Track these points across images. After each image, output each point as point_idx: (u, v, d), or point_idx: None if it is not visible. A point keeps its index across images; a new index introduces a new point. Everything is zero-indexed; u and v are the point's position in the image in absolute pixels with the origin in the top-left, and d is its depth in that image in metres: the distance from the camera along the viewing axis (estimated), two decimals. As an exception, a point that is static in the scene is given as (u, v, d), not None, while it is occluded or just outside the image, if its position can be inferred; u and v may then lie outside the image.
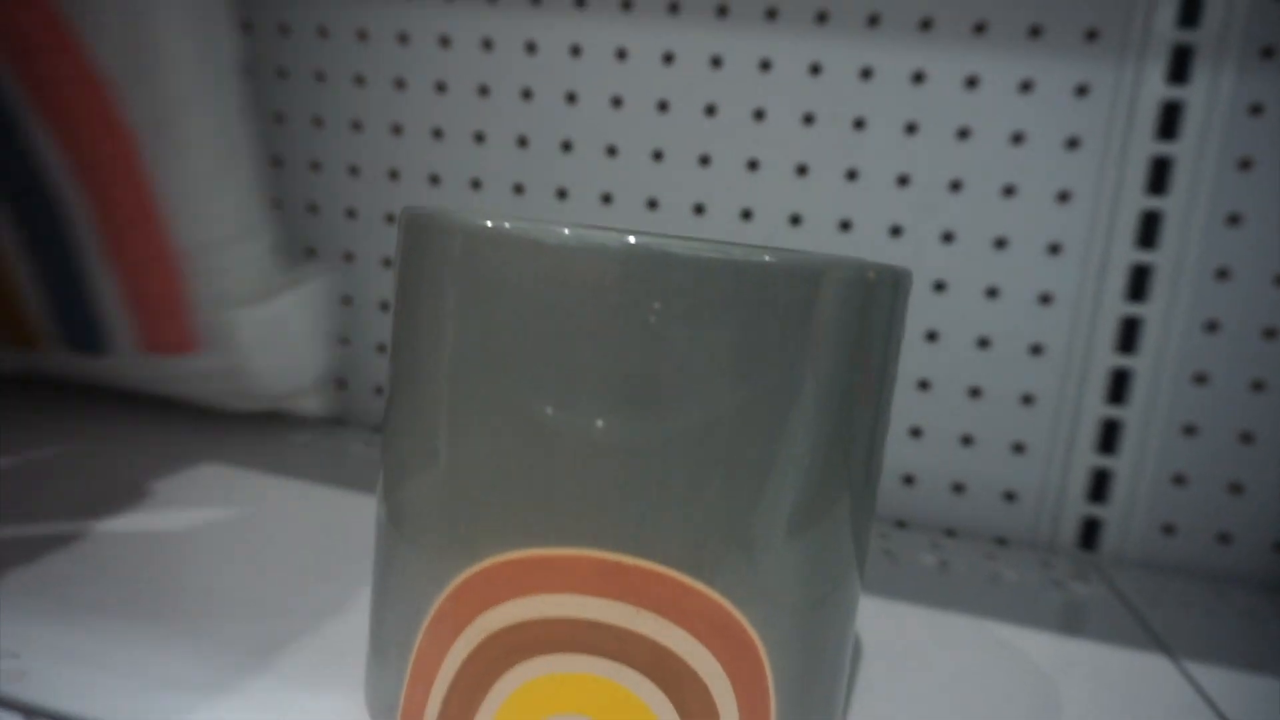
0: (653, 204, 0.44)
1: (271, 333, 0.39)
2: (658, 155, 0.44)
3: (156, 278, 0.37)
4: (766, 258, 0.16)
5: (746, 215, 0.43)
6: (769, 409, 0.17)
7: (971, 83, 0.40)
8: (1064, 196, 0.40)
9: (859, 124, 0.41)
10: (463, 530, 0.17)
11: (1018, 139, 0.40)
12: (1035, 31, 0.39)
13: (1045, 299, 0.41)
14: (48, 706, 0.20)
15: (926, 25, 0.40)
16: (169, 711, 0.20)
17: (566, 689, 0.17)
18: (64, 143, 0.34)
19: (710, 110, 0.43)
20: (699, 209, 0.44)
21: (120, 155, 0.34)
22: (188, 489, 0.35)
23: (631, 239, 0.16)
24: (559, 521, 0.17)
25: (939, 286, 0.42)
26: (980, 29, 0.40)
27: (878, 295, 0.18)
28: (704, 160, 0.43)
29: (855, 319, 0.18)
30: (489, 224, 0.17)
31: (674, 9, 0.43)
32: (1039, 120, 0.40)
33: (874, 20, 0.41)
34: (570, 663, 0.17)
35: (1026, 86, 0.40)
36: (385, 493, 0.19)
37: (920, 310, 0.42)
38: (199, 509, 0.34)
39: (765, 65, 0.42)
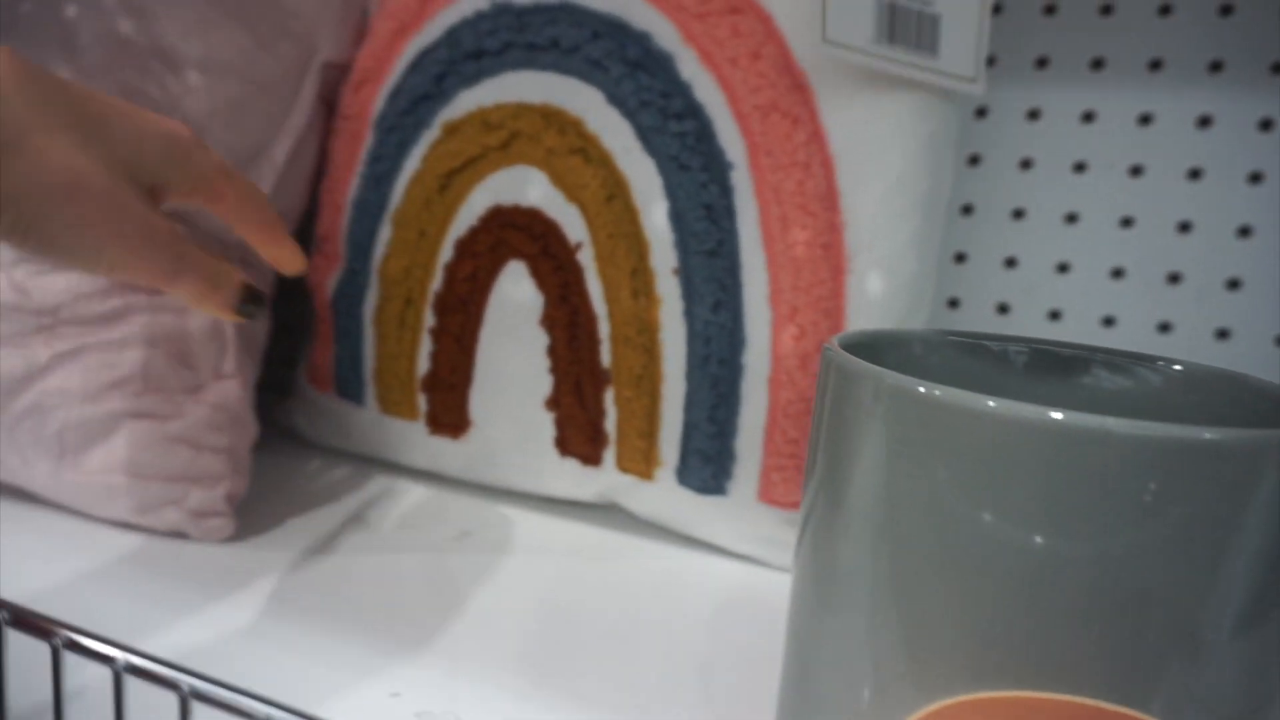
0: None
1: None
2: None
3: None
4: (1208, 435, 0.17)
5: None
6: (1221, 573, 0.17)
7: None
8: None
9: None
10: (925, 666, 0.18)
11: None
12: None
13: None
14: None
15: None
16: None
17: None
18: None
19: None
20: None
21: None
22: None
23: (1058, 415, 0.17)
24: (1035, 665, 0.17)
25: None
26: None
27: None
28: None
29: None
30: (936, 393, 0.18)
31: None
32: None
33: None
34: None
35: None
36: (815, 615, 0.21)
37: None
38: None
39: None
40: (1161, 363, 0.25)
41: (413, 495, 0.44)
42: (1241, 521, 0.17)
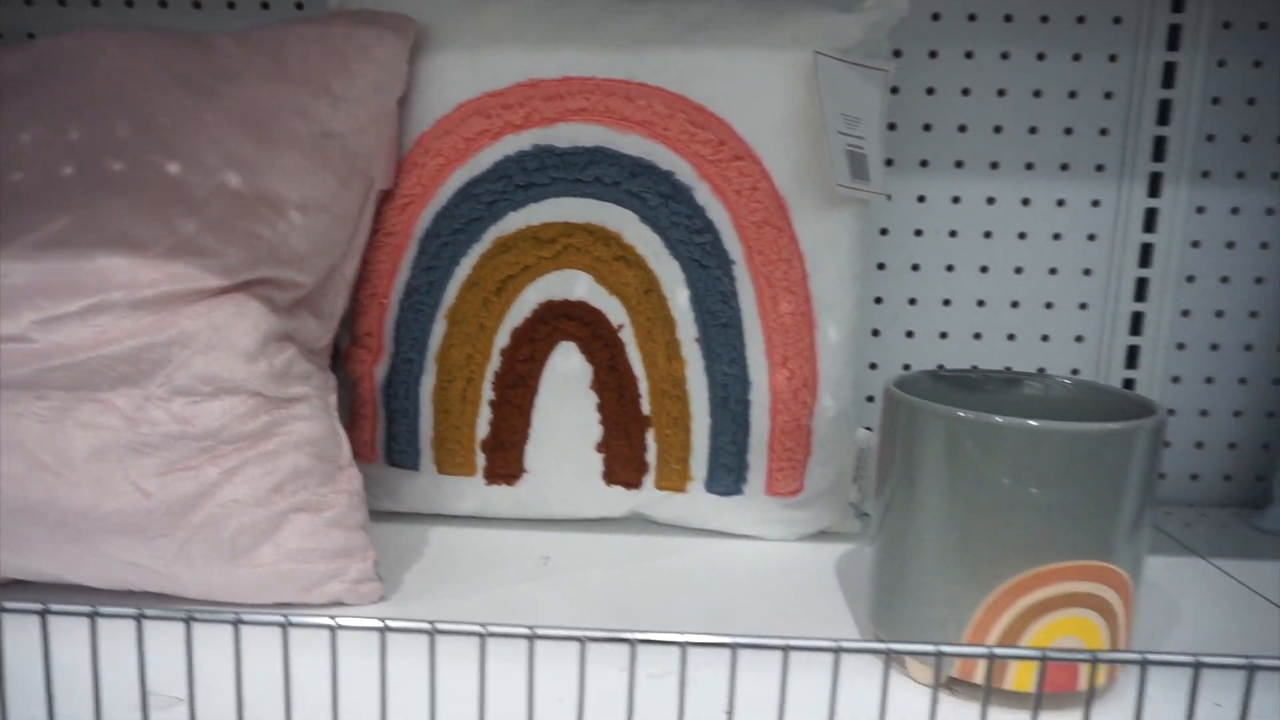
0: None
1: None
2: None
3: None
4: (1097, 427, 0.35)
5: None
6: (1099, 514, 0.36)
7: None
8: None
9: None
10: (986, 559, 0.35)
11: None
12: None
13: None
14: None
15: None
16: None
17: (1064, 623, 0.35)
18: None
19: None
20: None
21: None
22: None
23: (1033, 423, 0.34)
24: (1039, 551, 0.35)
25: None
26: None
27: (1160, 438, 0.37)
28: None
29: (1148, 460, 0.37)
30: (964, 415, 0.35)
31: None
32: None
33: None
34: (1069, 612, 0.35)
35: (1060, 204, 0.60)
36: (907, 557, 0.37)
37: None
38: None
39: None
40: (1063, 379, 0.44)
41: (479, 541, 0.53)
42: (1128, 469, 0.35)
